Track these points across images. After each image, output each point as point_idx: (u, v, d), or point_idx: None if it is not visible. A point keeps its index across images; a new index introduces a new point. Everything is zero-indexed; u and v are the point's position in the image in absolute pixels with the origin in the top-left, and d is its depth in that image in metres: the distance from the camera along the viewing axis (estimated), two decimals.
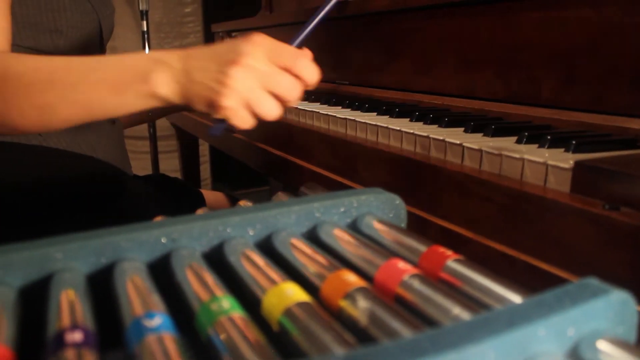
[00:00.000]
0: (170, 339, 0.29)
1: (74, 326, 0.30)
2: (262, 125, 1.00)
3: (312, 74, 0.63)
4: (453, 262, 0.38)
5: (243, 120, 0.62)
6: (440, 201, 0.59)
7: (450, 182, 0.58)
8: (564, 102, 0.68)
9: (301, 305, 0.32)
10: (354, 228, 0.46)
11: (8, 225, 0.76)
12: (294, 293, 0.33)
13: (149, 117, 1.16)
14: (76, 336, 0.29)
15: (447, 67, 0.84)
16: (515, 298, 0.34)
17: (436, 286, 0.35)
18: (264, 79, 0.59)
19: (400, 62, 0.92)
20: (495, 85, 0.76)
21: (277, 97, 0.62)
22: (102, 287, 0.36)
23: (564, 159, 0.51)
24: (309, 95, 1.00)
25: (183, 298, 0.36)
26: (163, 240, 0.40)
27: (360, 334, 0.31)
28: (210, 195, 1.02)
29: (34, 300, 0.36)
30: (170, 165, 2.13)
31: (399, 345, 0.25)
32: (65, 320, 0.31)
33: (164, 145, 1.99)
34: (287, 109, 0.90)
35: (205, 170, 1.91)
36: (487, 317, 0.28)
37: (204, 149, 1.74)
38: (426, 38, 0.88)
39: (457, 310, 0.33)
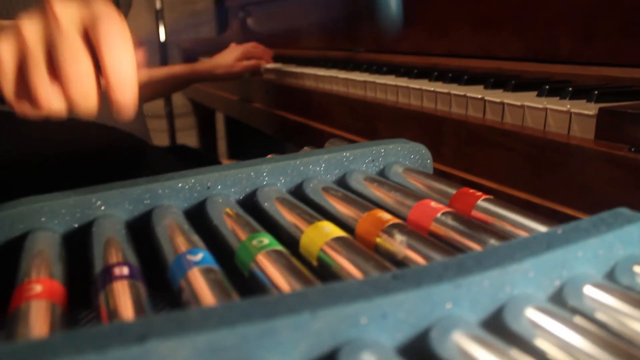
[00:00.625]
0: (215, 271, 0.30)
1: (121, 262, 0.31)
2: (280, 92, 1.01)
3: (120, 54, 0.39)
4: (484, 202, 0.39)
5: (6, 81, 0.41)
6: (462, 155, 0.59)
7: (473, 135, 0.58)
8: (583, 57, 0.68)
9: (340, 239, 0.33)
10: (382, 176, 0.47)
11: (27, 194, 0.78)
12: (332, 229, 0.34)
13: (163, 91, 1.17)
14: (124, 270, 0.30)
15: (463, 29, 0.83)
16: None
17: (471, 221, 0.36)
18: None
19: (416, 27, 0.91)
20: (513, 44, 0.76)
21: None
22: (140, 234, 0.37)
23: (587, 108, 0.51)
24: (325, 62, 1.00)
25: (220, 239, 0.37)
26: (198, 187, 0.40)
27: (398, 267, 0.32)
28: None
29: (77, 245, 0.37)
30: (188, 143, 2.14)
31: (445, 264, 0.26)
32: (112, 257, 0.32)
33: (180, 122, 2.00)
34: (304, 75, 0.91)
35: (221, 146, 1.91)
36: (528, 239, 0.29)
37: (219, 125, 1.75)
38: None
39: (493, 242, 0.33)
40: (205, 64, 1.09)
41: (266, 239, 0.33)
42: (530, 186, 0.52)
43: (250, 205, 0.42)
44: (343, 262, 0.31)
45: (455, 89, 0.64)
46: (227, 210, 0.39)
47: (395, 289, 0.24)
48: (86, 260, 0.35)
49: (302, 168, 0.44)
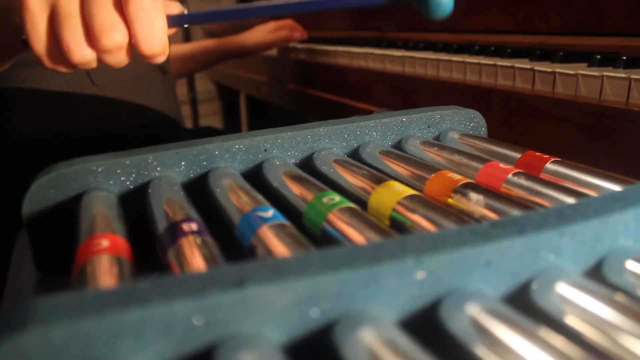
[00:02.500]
0: (289, 226, 0.28)
1: (188, 218, 0.30)
2: (313, 72, 1.00)
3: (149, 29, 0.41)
4: (553, 164, 0.37)
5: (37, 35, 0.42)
6: (511, 126, 0.57)
7: (523, 106, 0.56)
8: (631, 29, 0.65)
9: (414, 197, 0.31)
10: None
11: None
12: (403, 188, 0.33)
13: (195, 66, 1.15)
14: (192, 225, 0.29)
15: (500, 3, 0.81)
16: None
17: (545, 181, 0.34)
18: None
19: None
20: (554, 17, 0.74)
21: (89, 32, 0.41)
22: (195, 196, 0.36)
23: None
24: (357, 41, 0.98)
25: (283, 200, 0.35)
26: (254, 149, 0.39)
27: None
28: None
29: (133, 205, 0.36)
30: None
31: (544, 214, 0.25)
32: (177, 215, 0.31)
33: (203, 108, 1.99)
34: (338, 53, 0.89)
35: (245, 129, 1.90)
36: (624, 192, 0.27)
37: (242, 108, 1.73)
38: None
39: (572, 201, 0.32)
40: (236, 37, 1.07)
41: (337, 197, 0.31)
42: (585, 156, 0.50)
43: (307, 168, 0.40)
44: (419, 219, 0.30)
45: (502, 62, 0.62)
46: (287, 171, 0.37)
47: (498, 236, 0.22)
48: (142, 221, 0.33)
49: (358, 132, 0.42)
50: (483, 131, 0.48)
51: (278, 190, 0.36)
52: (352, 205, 0.30)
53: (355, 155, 0.42)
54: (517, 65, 0.59)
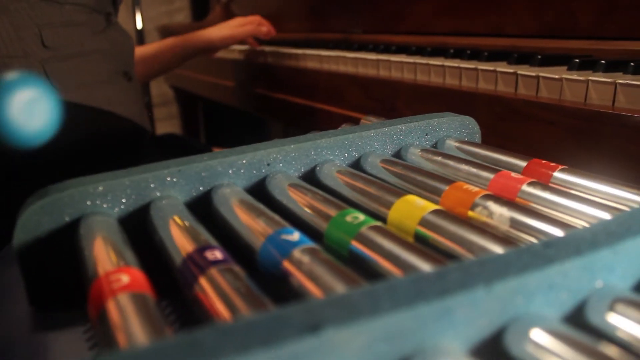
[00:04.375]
0: (320, 251, 0.27)
1: (209, 245, 0.28)
2: (281, 76, 0.98)
3: None
4: (561, 172, 0.37)
5: None
6: (495, 130, 0.58)
7: (507, 110, 0.57)
8: (604, 32, 0.67)
9: (439, 212, 0.30)
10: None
11: (26, 181, 0.73)
12: (425, 203, 0.32)
13: (159, 68, 1.10)
14: (217, 254, 0.27)
15: (471, 5, 0.82)
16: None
17: (561, 191, 0.34)
18: None
19: (419, 4, 0.89)
20: (527, 20, 0.75)
21: None
22: (200, 215, 0.34)
23: (632, 79, 0.50)
24: (322, 43, 0.97)
25: (295, 218, 0.34)
26: (257, 164, 0.37)
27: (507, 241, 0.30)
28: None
29: (134, 229, 0.33)
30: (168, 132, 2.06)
31: (592, 231, 0.24)
32: (193, 241, 0.29)
33: (158, 112, 1.93)
34: (306, 56, 0.87)
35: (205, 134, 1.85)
36: None
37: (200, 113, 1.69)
38: None
39: (594, 212, 0.31)
40: (200, 32, 1.03)
41: (360, 215, 0.30)
42: (575, 159, 0.51)
43: (311, 181, 0.39)
44: (448, 235, 0.29)
45: (482, 65, 0.63)
46: (294, 186, 0.36)
47: (559, 258, 0.22)
48: (146, 247, 0.31)
49: (360, 142, 0.41)
50: (477, 137, 0.48)
51: (288, 208, 0.34)
52: (379, 223, 0.29)
53: (357, 166, 0.41)
54: (499, 69, 0.60)
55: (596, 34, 0.67)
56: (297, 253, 0.26)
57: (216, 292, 0.24)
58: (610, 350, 0.18)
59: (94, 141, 0.78)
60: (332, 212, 0.31)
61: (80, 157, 0.76)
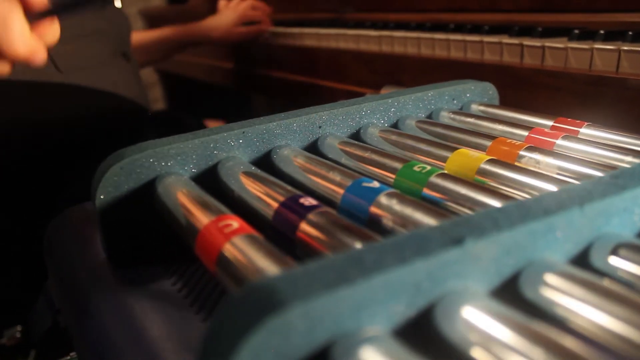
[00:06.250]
0: (404, 195, 0.29)
1: (298, 194, 0.30)
2: (278, 55, 0.98)
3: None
4: (586, 128, 0.41)
5: None
6: (505, 98, 0.61)
7: (515, 79, 0.60)
8: (597, 5, 0.71)
9: (492, 161, 0.33)
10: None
11: (32, 163, 0.73)
12: (479, 154, 0.35)
13: (157, 57, 1.09)
14: (311, 200, 0.29)
15: None
16: None
17: (595, 143, 0.37)
18: None
19: None
20: None
21: None
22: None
23: (633, 46, 0.54)
24: (319, 22, 0.99)
25: (356, 171, 0.36)
26: (310, 127, 0.40)
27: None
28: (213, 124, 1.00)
29: (205, 187, 0.35)
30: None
31: None
32: (281, 192, 0.30)
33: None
34: (304, 35, 0.88)
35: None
36: None
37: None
38: None
39: (629, 158, 0.35)
40: (200, 26, 1.03)
41: (426, 165, 0.33)
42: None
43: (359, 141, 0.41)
44: (506, 180, 0.32)
45: (487, 38, 0.66)
46: (346, 144, 0.38)
47: (630, 185, 0.25)
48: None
49: (397, 105, 0.44)
50: (496, 102, 0.51)
51: (346, 165, 0.37)
52: (445, 171, 0.32)
53: (395, 128, 0.44)
54: (504, 40, 0.63)
55: (590, 8, 0.71)
56: (383, 198, 0.29)
57: (324, 231, 0.26)
58: None
59: (97, 122, 0.79)
60: (396, 164, 0.34)
61: (86, 138, 0.77)
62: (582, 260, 0.23)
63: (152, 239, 0.35)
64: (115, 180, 0.33)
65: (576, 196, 0.23)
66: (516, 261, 0.21)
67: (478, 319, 0.19)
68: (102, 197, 0.33)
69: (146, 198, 0.34)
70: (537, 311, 0.21)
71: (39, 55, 0.39)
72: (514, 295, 0.21)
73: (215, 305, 0.30)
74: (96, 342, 0.30)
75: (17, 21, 0.37)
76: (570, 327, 0.20)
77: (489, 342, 0.18)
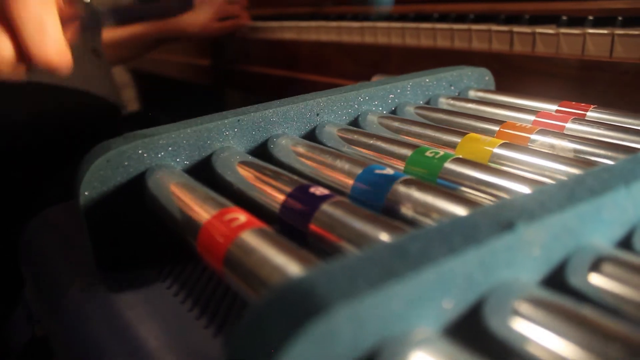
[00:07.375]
0: (420, 181, 0.27)
1: (307, 184, 0.27)
2: (256, 50, 0.95)
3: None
4: (593, 111, 0.39)
5: None
6: (498, 85, 0.59)
7: (506, 66, 0.59)
8: None
9: (505, 145, 0.32)
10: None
11: (5, 163, 0.69)
12: (490, 139, 0.33)
13: (130, 54, 1.05)
14: (321, 189, 0.26)
15: None
16: None
17: (606, 125, 0.35)
18: None
19: None
20: None
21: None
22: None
23: (626, 31, 0.53)
24: (298, 16, 0.96)
25: (365, 158, 0.34)
26: (308, 115, 0.37)
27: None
28: None
29: (199, 179, 0.33)
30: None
31: None
32: (288, 182, 0.28)
33: None
34: (284, 28, 0.85)
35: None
36: None
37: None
38: None
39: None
40: (176, 22, 0.99)
41: (439, 150, 0.31)
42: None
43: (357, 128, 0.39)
44: (523, 164, 0.30)
45: (475, 25, 0.64)
46: (341, 130, 0.36)
47: None
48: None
49: (396, 92, 0.42)
50: (492, 87, 0.49)
51: (350, 154, 0.35)
52: (459, 156, 0.30)
53: (394, 114, 0.42)
54: (493, 28, 0.61)
55: None
56: (400, 186, 0.26)
57: (342, 222, 0.24)
58: None
59: (68, 120, 0.75)
60: (404, 151, 0.32)
61: (56, 138, 0.73)
62: (628, 243, 0.22)
63: (143, 238, 0.32)
64: (102, 174, 0.30)
65: (620, 175, 0.21)
66: (565, 247, 0.19)
67: (533, 314, 0.17)
68: (86, 193, 0.30)
69: (136, 193, 0.31)
70: (587, 303, 0.19)
71: (68, 64, 0.37)
72: (561, 285, 0.19)
73: (218, 310, 0.28)
74: (85, 357, 0.27)
75: (54, 25, 0.35)
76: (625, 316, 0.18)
77: (548, 338, 0.16)
